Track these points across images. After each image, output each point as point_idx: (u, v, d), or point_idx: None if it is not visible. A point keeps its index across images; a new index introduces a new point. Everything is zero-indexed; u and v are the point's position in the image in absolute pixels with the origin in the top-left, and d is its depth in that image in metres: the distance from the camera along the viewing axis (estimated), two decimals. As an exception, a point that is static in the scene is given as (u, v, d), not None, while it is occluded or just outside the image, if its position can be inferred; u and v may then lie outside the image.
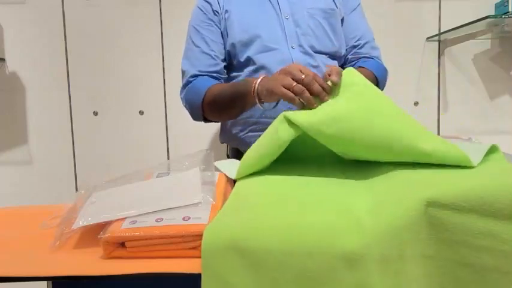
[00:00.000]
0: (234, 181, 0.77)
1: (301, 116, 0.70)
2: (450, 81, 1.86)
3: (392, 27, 1.82)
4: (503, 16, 1.58)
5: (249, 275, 0.51)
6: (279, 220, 0.55)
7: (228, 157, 1.27)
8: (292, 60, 1.07)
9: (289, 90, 0.79)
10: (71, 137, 1.86)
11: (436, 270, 0.52)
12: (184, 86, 1.14)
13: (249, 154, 0.77)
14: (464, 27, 1.64)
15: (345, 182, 0.70)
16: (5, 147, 1.87)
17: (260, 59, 1.09)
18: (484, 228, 0.50)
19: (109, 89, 1.84)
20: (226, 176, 0.80)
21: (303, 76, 0.78)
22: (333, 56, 1.15)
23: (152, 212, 0.62)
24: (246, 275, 0.51)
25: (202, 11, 1.15)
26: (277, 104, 0.91)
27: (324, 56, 1.13)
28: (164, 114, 1.86)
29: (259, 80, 0.89)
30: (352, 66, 1.18)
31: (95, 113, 1.85)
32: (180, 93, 1.16)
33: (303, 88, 0.77)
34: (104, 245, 0.58)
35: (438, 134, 1.84)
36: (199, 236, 0.54)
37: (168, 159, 1.87)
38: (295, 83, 0.78)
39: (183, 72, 1.15)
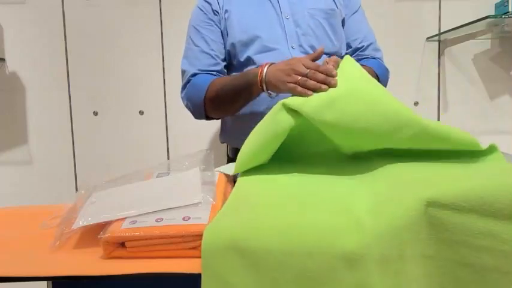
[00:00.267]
0: (234, 181, 0.77)
1: (301, 101, 0.70)
2: (450, 81, 1.86)
3: (392, 27, 1.82)
4: (503, 16, 1.58)
5: (249, 275, 0.51)
6: (279, 220, 0.55)
7: (228, 157, 1.27)
8: None
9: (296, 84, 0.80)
10: (71, 137, 1.86)
11: (436, 270, 0.52)
12: (185, 85, 1.14)
13: (248, 144, 0.76)
14: (464, 27, 1.64)
15: (344, 181, 0.70)
16: (5, 147, 1.87)
17: (260, 59, 1.09)
18: (484, 228, 0.50)
19: (109, 89, 1.84)
20: (226, 176, 0.80)
21: (307, 71, 0.79)
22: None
23: (152, 212, 0.62)
24: (246, 275, 0.51)
25: (202, 11, 1.15)
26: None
27: (324, 56, 1.13)
28: (164, 114, 1.86)
29: (265, 70, 0.90)
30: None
31: (95, 113, 1.85)
32: (181, 93, 1.16)
33: (309, 80, 0.78)
34: (104, 245, 0.58)
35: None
36: (199, 236, 0.54)
37: (168, 159, 1.87)
38: (300, 77, 0.80)
39: (183, 72, 1.15)
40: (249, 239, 0.52)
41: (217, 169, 0.84)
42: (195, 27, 1.15)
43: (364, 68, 1.02)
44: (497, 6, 1.74)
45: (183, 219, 0.59)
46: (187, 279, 0.53)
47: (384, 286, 0.49)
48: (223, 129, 1.25)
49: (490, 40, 1.82)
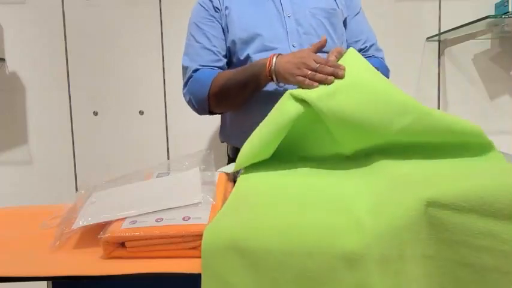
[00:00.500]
0: (234, 181, 0.77)
1: (307, 91, 0.74)
2: (450, 81, 1.86)
3: (392, 27, 1.82)
4: (503, 16, 1.58)
5: (249, 275, 0.51)
6: (279, 220, 0.55)
7: (229, 157, 1.27)
8: None
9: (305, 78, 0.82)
10: (71, 137, 1.86)
11: (436, 270, 0.52)
12: (187, 80, 1.12)
13: (254, 136, 0.78)
14: (464, 27, 1.64)
15: (344, 182, 0.70)
16: (5, 147, 1.87)
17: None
18: (484, 228, 0.50)
19: (109, 89, 1.84)
20: (227, 176, 0.80)
21: (317, 65, 0.81)
22: (334, 56, 1.16)
23: (152, 212, 0.62)
24: (246, 275, 0.51)
25: (203, 7, 1.14)
26: None
27: (325, 55, 1.13)
28: (164, 114, 1.86)
29: (274, 60, 0.92)
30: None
31: (95, 113, 1.85)
32: (183, 89, 1.14)
33: (318, 74, 0.80)
34: (104, 245, 0.58)
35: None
36: (199, 236, 0.55)
37: (168, 159, 1.87)
38: (309, 72, 0.81)
39: (185, 68, 1.13)
40: (249, 239, 0.52)
41: (219, 170, 0.84)
42: (196, 24, 1.14)
43: None
44: (497, 6, 1.74)
45: (183, 219, 0.59)
46: (187, 279, 0.53)
47: (384, 286, 0.49)
48: (223, 127, 1.24)
49: (490, 40, 1.82)
